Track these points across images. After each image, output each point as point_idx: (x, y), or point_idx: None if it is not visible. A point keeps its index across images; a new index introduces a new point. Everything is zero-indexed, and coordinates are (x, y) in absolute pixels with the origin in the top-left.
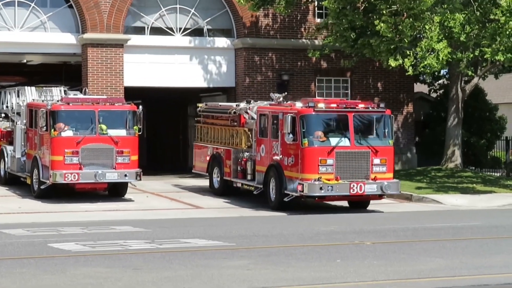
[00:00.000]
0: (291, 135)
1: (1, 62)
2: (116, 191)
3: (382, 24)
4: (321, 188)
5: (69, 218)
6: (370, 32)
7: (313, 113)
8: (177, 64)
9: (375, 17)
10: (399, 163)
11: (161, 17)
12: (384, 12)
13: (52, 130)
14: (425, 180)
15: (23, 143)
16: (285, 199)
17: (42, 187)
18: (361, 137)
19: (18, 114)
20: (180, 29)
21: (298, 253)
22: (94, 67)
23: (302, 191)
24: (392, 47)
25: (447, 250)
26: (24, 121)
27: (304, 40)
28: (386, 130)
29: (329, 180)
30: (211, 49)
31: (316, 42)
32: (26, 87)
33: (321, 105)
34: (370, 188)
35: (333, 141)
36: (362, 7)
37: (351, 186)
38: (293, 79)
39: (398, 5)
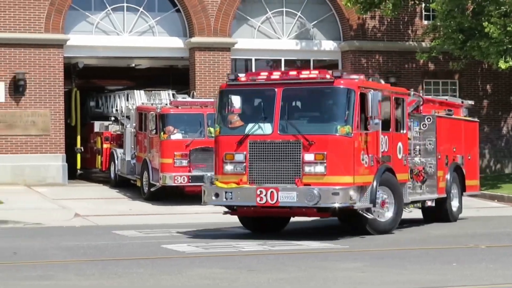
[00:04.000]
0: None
1: (110, 66)
2: None
3: (491, 26)
4: (217, 195)
5: (180, 220)
6: (478, 34)
7: (227, 88)
8: (283, 66)
9: (483, 18)
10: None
11: (267, 19)
12: (493, 13)
13: (162, 133)
14: None
15: (132, 146)
16: (152, 189)
17: (152, 189)
18: (290, 121)
19: (128, 117)
20: (286, 32)
21: (411, 256)
22: (202, 71)
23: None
24: (501, 49)
25: None
26: (134, 124)
27: (411, 42)
28: (335, 111)
29: (238, 183)
30: (318, 52)
31: (424, 44)
32: (135, 90)
33: (243, 78)
34: (287, 197)
35: (250, 127)
36: (471, 9)
37: (259, 192)
38: (400, 82)
39: (507, 6)
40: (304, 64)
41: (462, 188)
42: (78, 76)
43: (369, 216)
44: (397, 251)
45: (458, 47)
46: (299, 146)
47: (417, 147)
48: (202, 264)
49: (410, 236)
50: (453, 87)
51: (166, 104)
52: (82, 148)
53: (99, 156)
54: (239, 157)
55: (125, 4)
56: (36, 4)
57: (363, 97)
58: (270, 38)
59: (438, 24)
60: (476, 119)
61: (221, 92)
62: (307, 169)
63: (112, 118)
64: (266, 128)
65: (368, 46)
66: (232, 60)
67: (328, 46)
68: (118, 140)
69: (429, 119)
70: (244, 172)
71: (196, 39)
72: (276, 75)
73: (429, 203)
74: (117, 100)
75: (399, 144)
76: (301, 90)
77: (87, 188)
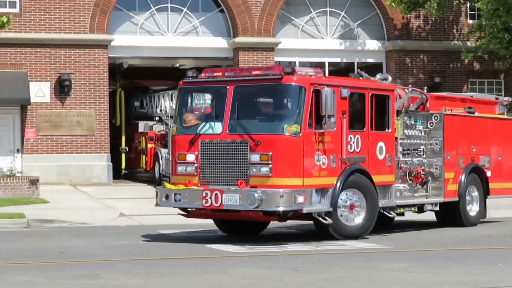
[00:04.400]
0: None
1: (155, 67)
2: None
3: None
4: (167, 197)
5: None
6: None
7: (183, 86)
8: (327, 68)
9: None
10: None
11: (311, 19)
12: None
13: None
14: None
15: None
16: None
17: None
18: (240, 121)
19: (172, 117)
20: (330, 32)
21: (456, 257)
22: None
23: None
24: None
25: None
26: None
27: (456, 42)
28: (284, 110)
29: (186, 184)
30: (362, 52)
31: (469, 43)
32: None
33: (202, 75)
34: (230, 199)
35: (202, 127)
36: None
37: (204, 194)
38: (445, 81)
39: None
40: (348, 65)
41: (485, 192)
42: (123, 76)
43: (325, 221)
44: (442, 252)
45: (504, 47)
46: (246, 146)
47: (422, 147)
48: (246, 264)
49: (453, 235)
50: (499, 87)
51: None
52: (126, 148)
53: (144, 156)
54: (191, 157)
55: (169, 5)
56: (81, 5)
57: (317, 94)
58: (314, 38)
59: (484, 23)
60: None
61: (178, 90)
62: (253, 170)
63: (157, 118)
64: (217, 128)
65: (412, 45)
66: (276, 62)
67: (372, 45)
68: (163, 140)
69: (436, 117)
70: (195, 173)
71: (240, 39)
72: (230, 72)
73: (429, 207)
74: (162, 100)
75: (380, 144)
76: (252, 88)
77: (131, 187)
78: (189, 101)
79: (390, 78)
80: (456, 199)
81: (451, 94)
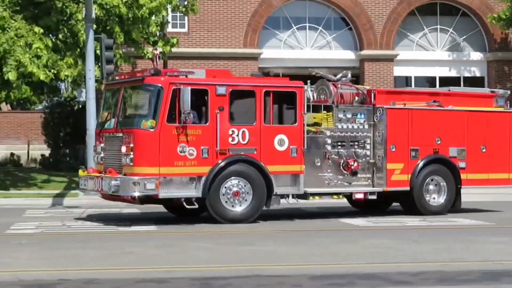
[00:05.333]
0: None
1: (295, 74)
2: None
3: None
4: (81, 182)
5: None
6: None
7: (104, 87)
8: (437, 75)
9: None
10: None
11: (424, 35)
12: None
13: None
14: None
15: None
16: None
17: None
18: (125, 117)
19: None
20: (440, 45)
21: None
22: (370, 78)
23: None
24: None
25: None
26: None
27: None
28: (144, 107)
29: (89, 172)
30: (466, 62)
31: None
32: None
33: (116, 78)
34: (105, 185)
35: (107, 123)
36: None
37: (94, 180)
38: None
39: None
40: (454, 79)
41: (457, 182)
42: None
43: (187, 206)
44: None
45: None
46: (121, 139)
47: (366, 139)
48: (373, 236)
49: None
50: None
51: None
52: None
53: None
54: (99, 148)
55: (307, 24)
56: (236, 25)
57: (179, 93)
58: (426, 50)
59: None
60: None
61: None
62: (122, 160)
63: None
64: (112, 123)
65: (510, 56)
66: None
67: (475, 56)
68: None
69: (380, 111)
70: (102, 162)
71: (365, 52)
72: (125, 75)
73: (357, 196)
74: None
75: (280, 136)
76: (131, 89)
77: None
78: (104, 99)
79: (349, 75)
80: (406, 188)
81: (416, 89)
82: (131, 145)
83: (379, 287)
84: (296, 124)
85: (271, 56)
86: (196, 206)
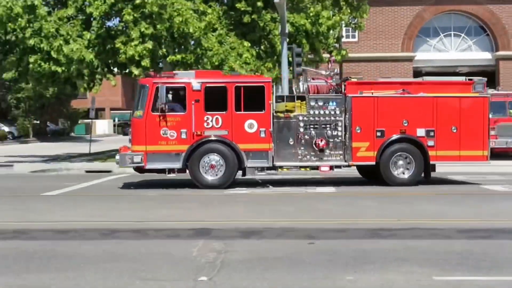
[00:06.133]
0: None
1: (441, 72)
2: None
3: None
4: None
5: (495, 170)
6: None
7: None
8: None
9: None
10: None
11: None
12: None
13: None
14: None
15: None
16: None
17: None
18: (133, 109)
19: None
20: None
21: None
22: (505, 74)
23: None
24: None
25: None
26: None
27: None
28: (138, 101)
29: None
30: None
31: None
32: None
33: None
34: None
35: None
36: None
37: (127, 156)
38: None
39: None
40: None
41: (426, 158)
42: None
43: (167, 174)
44: None
45: None
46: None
47: (338, 123)
48: (508, 199)
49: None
50: None
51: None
52: None
53: None
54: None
55: (452, 32)
56: (395, 35)
57: (163, 90)
58: None
59: None
60: (481, 95)
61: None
62: (129, 141)
63: None
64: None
65: None
66: None
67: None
68: None
69: (348, 99)
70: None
71: (500, 53)
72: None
73: (323, 169)
74: None
75: (250, 121)
76: (138, 88)
77: None
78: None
79: (336, 70)
80: (372, 163)
81: (385, 79)
82: (131, 129)
83: None
84: (264, 111)
85: (423, 58)
86: (174, 175)
